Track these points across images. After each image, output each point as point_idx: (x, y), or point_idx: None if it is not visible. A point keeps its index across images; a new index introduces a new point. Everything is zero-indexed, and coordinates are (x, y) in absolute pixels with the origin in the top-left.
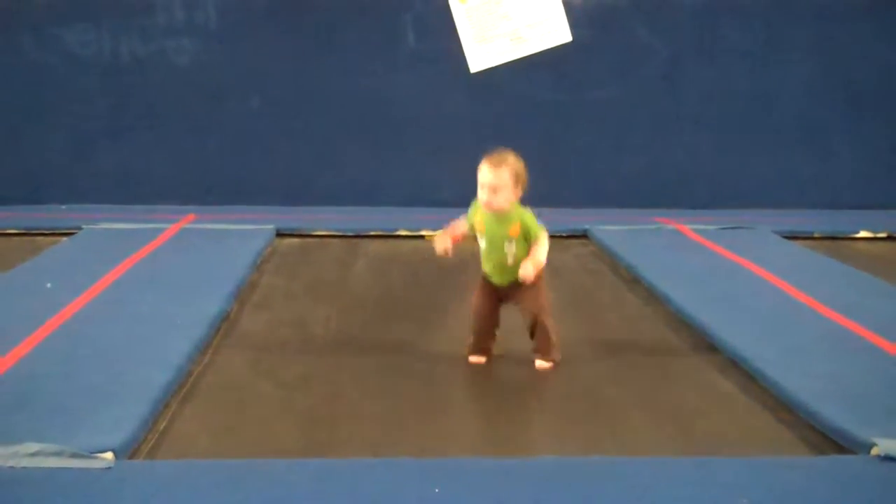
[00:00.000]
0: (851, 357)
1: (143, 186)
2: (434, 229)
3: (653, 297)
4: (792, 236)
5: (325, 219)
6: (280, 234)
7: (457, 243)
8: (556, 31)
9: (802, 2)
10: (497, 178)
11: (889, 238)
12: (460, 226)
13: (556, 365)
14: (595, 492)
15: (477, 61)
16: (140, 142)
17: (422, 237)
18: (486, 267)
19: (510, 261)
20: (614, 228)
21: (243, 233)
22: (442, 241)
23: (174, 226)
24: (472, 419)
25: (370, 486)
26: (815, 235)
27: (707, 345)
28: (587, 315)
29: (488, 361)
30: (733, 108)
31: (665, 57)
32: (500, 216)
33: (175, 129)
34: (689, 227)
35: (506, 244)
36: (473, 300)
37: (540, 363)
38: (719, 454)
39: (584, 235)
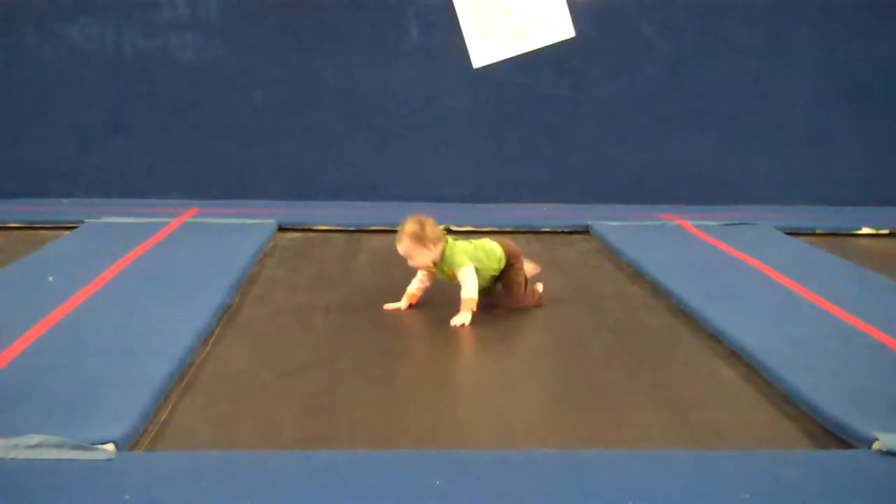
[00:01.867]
0: (853, 352)
1: (146, 181)
2: (437, 224)
3: (655, 290)
4: (794, 232)
5: (327, 213)
6: (282, 229)
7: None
8: (559, 27)
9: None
10: (403, 249)
11: (891, 234)
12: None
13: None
14: (595, 485)
15: (480, 56)
16: (142, 136)
17: None
18: None
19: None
20: (616, 224)
21: (245, 227)
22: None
23: (176, 220)
24: (472, 409)
25: (371, 478)
26: (818, 232)
27: (709, 336)
28: (589, 307)
29: (490, 354)
30: (737, 105)
31: (668, 53)
32: (439, 265)
33: (178, 123)
34: (692, 223)
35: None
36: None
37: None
38: (720, 446)
39: (585, 231)
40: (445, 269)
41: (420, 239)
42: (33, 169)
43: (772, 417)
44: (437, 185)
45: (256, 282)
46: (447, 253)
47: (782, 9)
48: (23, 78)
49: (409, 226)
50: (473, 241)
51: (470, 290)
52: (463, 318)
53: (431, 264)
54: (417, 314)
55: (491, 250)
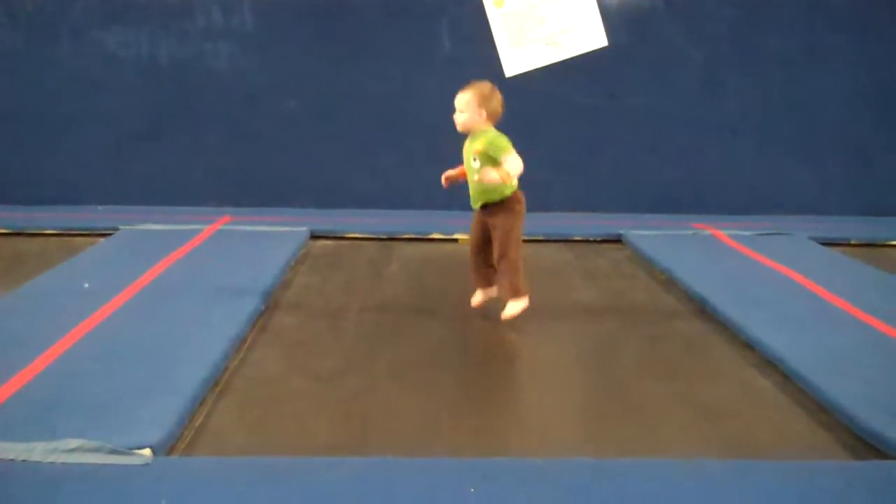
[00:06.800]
0: (890, 362)
1: (179, 188)
2: (468, 233)
3: (688, 300)
4: (829, 243)
5: (358, 221)
6: (314, 236)
7: (456, 178)
8: (592, 36)
9: (841, 9)
10: (461, 99)
11: None
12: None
13: (523, 300)
14: (630, 493)
15: (512, 66)
16: (177, 144)
17: (455, 241)
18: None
19: (476, 177)
20: (649, 233)
21: (278, 234)
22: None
23: (210, 227)
24: (505, 417)
25: (405, 485)
26: (852, 242)
27: (743, 345)
28: (622, 316)
29: (523, 362)
30: (771, 115)
31: (702, 63)
32: (472, 136)
33: (211, 131)
34: (726, 233)
35: (472, 161)
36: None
37: (505, 313)
38: (755, 456)
39: (618, 240)
40: (479, 147)
41: (482, 100)
42: (69, 176)
43: (808, 427)
44: (469, 193)
45: (289, 289)
46: (492, 134)
47: (816, 18)
48: (58, 85)
49: (484, 84)
50: None
51: (512, 169)
52: (494, 175)
53: (467, 130)
54: (450, 323)
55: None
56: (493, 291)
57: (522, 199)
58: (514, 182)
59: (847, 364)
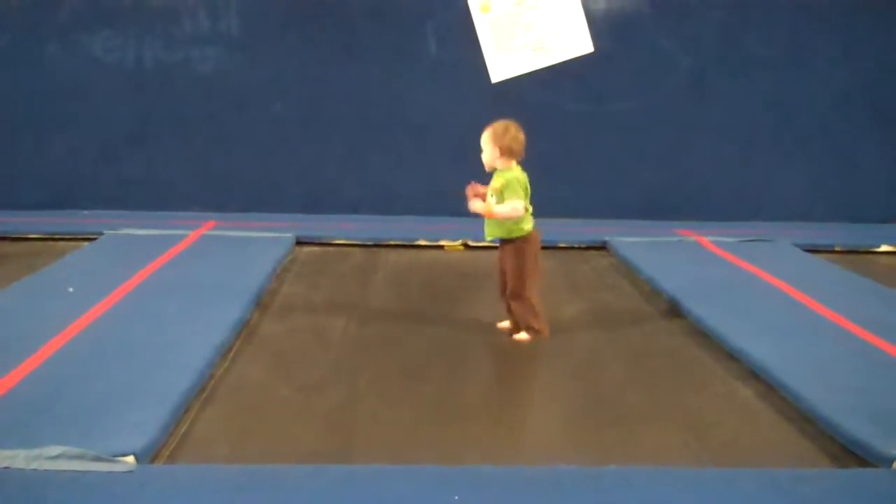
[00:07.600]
0: (873, 370)
1: (165, 193)
2: (454, 239)
3: (672, 308)
4: (813, 249)
5: (344, 228)
6: (300, 243)
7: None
8: (578, 42)
9: (827, 13)
10: (482, 139)
11: None
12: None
13: (538, 336)
14: (614, 502)
15: (498, 71)
16: (162, 149)
17: (441, 247)
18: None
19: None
20: (634, 240)
21: (263, 240)
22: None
23: (195, 232)
24: (490, 426)
25: (389, 493)
26: (837, 249)
27: (727, 354)
28: (606, 324)
29: (508, 371)
30: (756, 120)
31: (688, 68)
32: (495, 175)
33: (197, 136)
34: (710, 240)
35: (490, 197)
36: None
37: (517, 336)
38: (739, 465)
39: (603, 247)
40: (496, 185)
41: (494, 138)
42: (54, 180)
43: (791, 436)
44: (454, 199)
45: (275, 296)
46: (510, 176)
47: (804, 23)
48: (44, 89)
49: (500, 123)
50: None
51: (500, 209)
52: (478, 206)
53: (490, 168)
54: (435, 332)
55: (528, 218)
56: None
57: (533, 240)
58: (527, 226)
59: (830, 372)
